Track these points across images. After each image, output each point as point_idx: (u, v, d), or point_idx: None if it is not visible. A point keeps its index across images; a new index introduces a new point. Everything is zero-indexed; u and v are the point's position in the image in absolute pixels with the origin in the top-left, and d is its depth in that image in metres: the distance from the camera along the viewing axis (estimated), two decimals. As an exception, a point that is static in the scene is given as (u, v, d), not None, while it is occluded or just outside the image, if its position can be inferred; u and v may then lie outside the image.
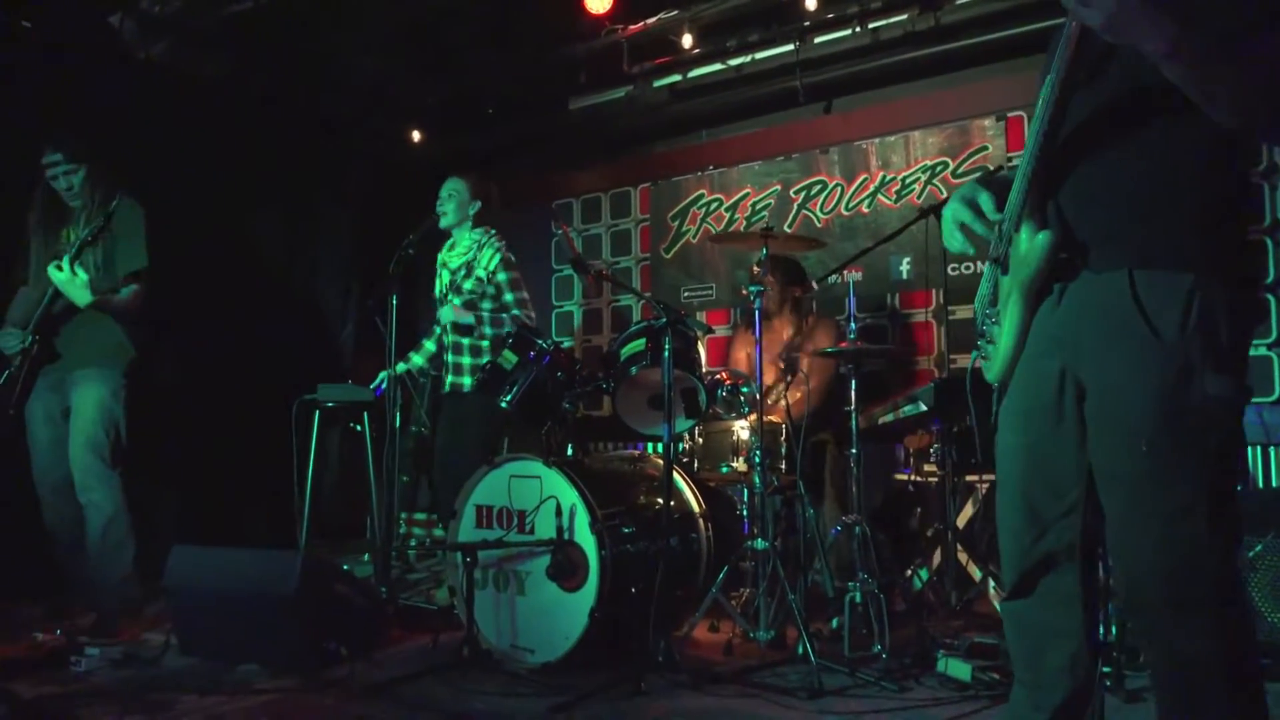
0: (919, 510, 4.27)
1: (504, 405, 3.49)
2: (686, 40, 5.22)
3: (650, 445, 4.74)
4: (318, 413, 4.37)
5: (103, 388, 3.63)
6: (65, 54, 4.68)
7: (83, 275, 3.51)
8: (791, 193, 5.48)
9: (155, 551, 3.45)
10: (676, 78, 5.61)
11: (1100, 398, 1.64)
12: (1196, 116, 1.54)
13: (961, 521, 3.98)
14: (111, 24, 5.28)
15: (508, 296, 4.10)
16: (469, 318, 4.05)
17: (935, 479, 3.96)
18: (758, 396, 3.34)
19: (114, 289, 3.63)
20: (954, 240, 1.87)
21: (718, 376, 3.61)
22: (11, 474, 3.75)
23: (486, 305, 4.11)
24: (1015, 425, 1.80)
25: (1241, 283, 1.60)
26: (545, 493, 3.15)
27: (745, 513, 3.70)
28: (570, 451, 3.45)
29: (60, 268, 3.48)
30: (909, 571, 3.90)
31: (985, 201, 1.80)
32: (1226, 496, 1.58)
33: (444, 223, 4.19)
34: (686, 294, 5.84)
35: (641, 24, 5.28)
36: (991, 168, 4.73)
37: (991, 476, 3.89)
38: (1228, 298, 1.56)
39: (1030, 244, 1.70)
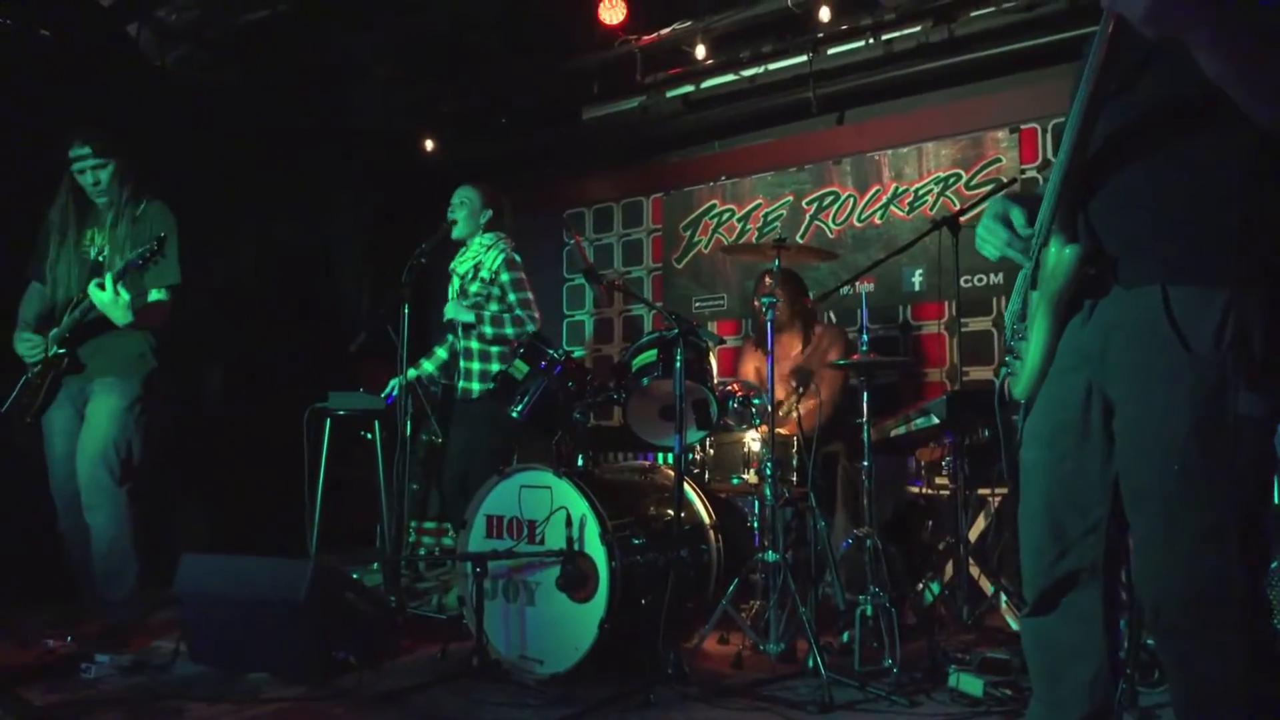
0: (930, 523, 4.24)
1: (515, 415, 3.50)
2: (700, 51, 5.23)
3: (661, 456, 4.73)
4: (329, 420, 4.38)
5: (119, 400, 3.57)
6: (82, 62, 4.71)
7: (125, 295, 3.42)
8: (804, 204, 5.48)
9: (167, 558, 3.45)
10: (689, 88, 5.63)
11: (1131, 415, 1.61)
12: (1231, 129, 1.52)
13: (973, 535, 3.95)
14: (129, 33, 5.34)
15: (511, 297, 4.10)
16: (469, 314, 4.06)
17: (947, 492, 3.94)
18: (769, 408, 3.32)
19: (141, 294, 3.57)
20: (986, 247, 1.85)
21: (729, 388, 3.60)
22: (26, 480, 3.75)
23: (493, 307, 4.12)
24: (1041, 441, 1.77)
25: (1276, 300, 1.55)
26: (555, 503, 3.14)
27: (756, 524, 3.69)
28: (581, 462, 3.45)
29: (103, 286, 3.39)
30: (920, 585, 3.88)
31: (1017, 216, 1.77)
32: (1256, 518, 1.54)
33: (456, 232, 4.20)
34: (698, 304, 5.83)
35: (655, 35, 5.30)
36: (1005, 180, 4.73)
37: (1004, 490, 3.91)
38: (1263, 315, 1.53)
39: (1058, 257, 1.66)
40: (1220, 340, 1.51)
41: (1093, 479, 1.68)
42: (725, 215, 5.78)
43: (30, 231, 3.82)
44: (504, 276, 4.10)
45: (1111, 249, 1.64)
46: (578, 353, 6.22)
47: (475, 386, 4.11)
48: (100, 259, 3.65)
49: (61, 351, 3.57)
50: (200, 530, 5.00)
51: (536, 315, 4.13)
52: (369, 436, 4.73)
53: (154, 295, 3.61)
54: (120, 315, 3.45)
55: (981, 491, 3.93)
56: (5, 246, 3.97)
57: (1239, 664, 1.52)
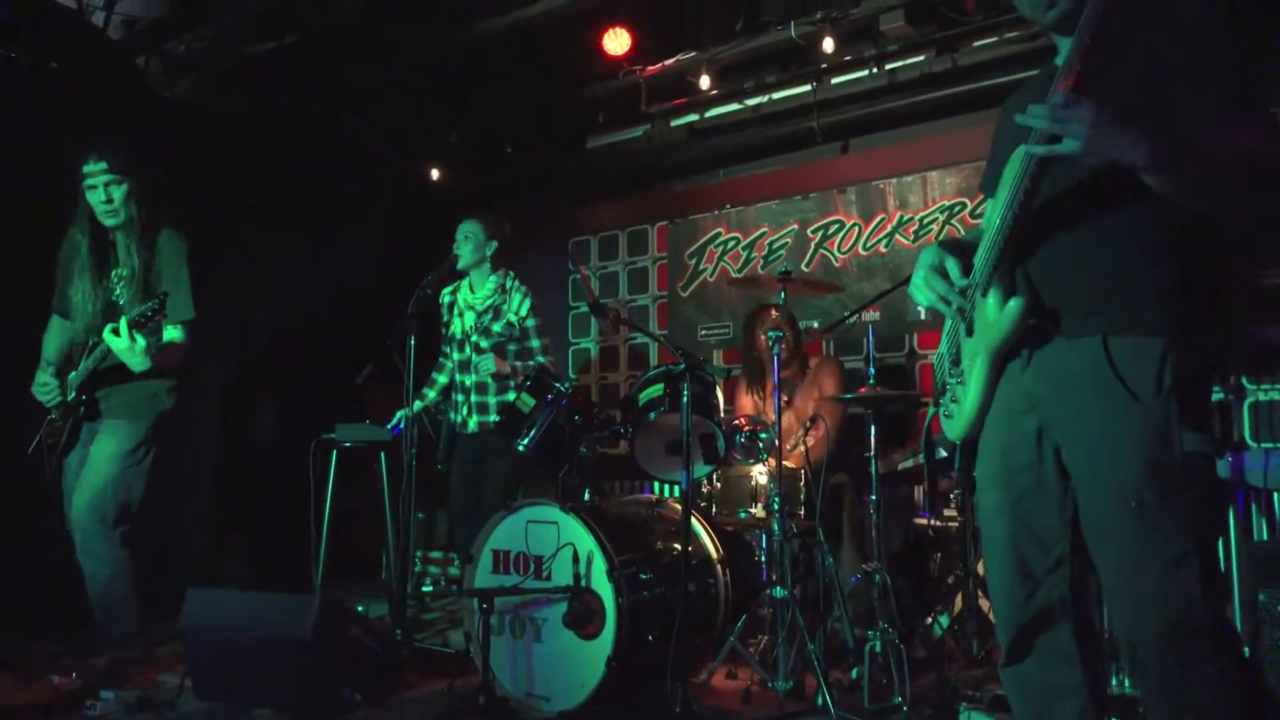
0: (939, 555, 4.21)
1: (521, 449, 3.49)
2: (704, 81, 5.26)
3: (665, 487, 4.71)
4: (335, 452, 4.38)
5: (122, 443, 3.52)
6: (90, 92, 4.73)
7: (141, 341, 3.31)
8: (809, 232, 5.49)
9: (174, 589, 3.43)
10: (694, 117, 5.66)
11: (1085, 460, 1.71)
12: (1163, 197, 1.62)
13: (982, 568, 3.92)
14: (138, 65, 5.38)
15: (534, 342, 4.20)
16: (507, 369, 4.11)
17: (955, 524, 3.91)
18: (776, 442, 3.31)
19: (156, 335, 3.44)
20: (920, 296, 1.95)
21: (736, 422, 3.60)
22: (42, 514, 3.73)
23: (512, 347, 4.20)
24: (997, 483, 1.87)
25: (1205, 346, 1.69)
26: (562, 539, 3.13)
27: (764, 558, 3.67)
28: (587, 496, 3.44)
29: (118, 333, 3.29)
30: (930, 619, 3.85)
31: (953, 267, 1.89)
32: (1212, 546, 1.68)
33: (461, 264, 4.22)
34: (704, 332, 5.83)
35: (659, 65, 5.33)
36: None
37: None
38: (1196, 360, 1.65)
39: (1001, 311, 1.78)
40: (1161, 385, 1.63)
41: (1052, 516, 1.79)
42: (730, 243, 5.79)
43: (40, 262, 3.79)
44: (530, 322, 4.19)
45: (1052, 302, 1.76)
46: (581, 380, 6.22)
47: (493, 419, 4.13)
48: (116, 298, 3.58)
49: (79, 396, 3.53)
50: (207, 561, 4.99)
51: (553, 359, 4.26)
52: (375, 468, 4.73)
53: (169, 334, 3.51)
54: (138, 362, 3.36)
55: (990, 523, 3.90)
56: (15, 278, 3.97)
57: (1219, 692, 1.59)
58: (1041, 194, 1.72)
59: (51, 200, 3.74)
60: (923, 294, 1.93)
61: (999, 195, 1.81)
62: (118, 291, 3.60)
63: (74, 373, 3.56)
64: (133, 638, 3.59)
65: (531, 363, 4.16)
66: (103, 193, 3.52)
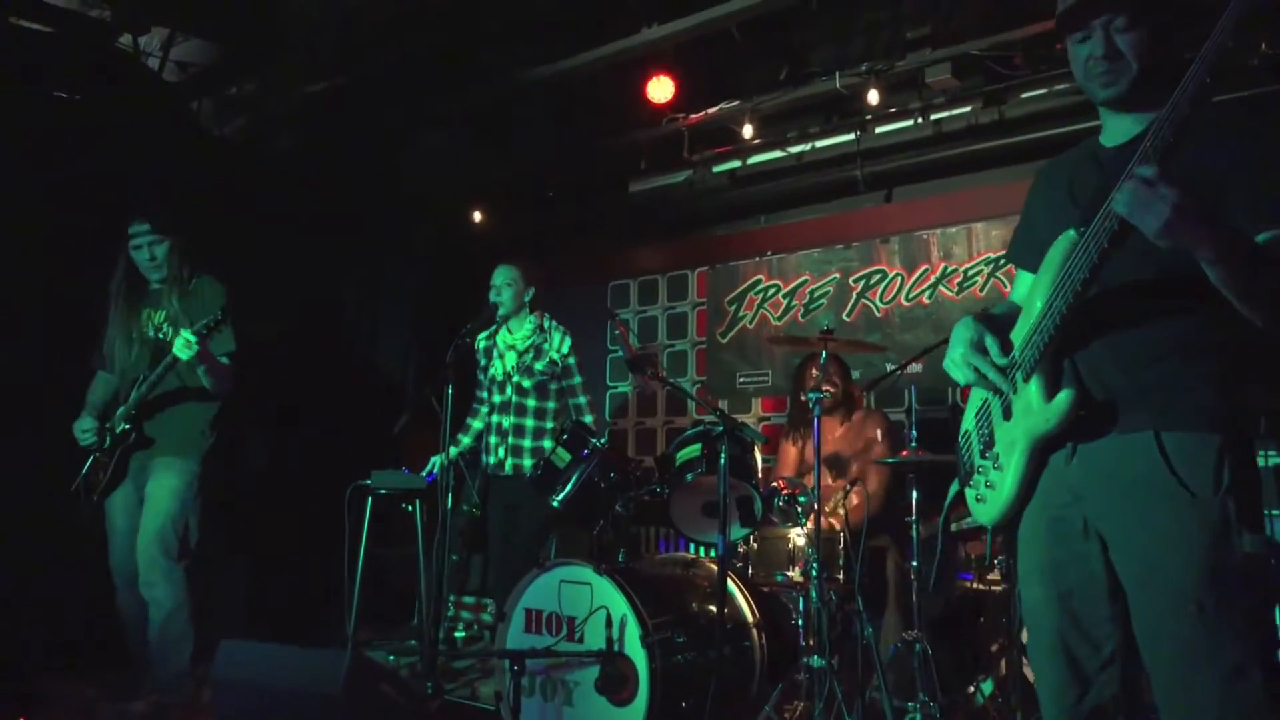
0: (982, 620, 4.10)
1: (555, 504, 3.46)
2: (747, 130, 5.25)
3: (702, 548, 4.65)
4: (370, 500, 4.37)
5: (178, 479, 3.60)
6: (142, 131, 4.83)
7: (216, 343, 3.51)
8: (850, 281, 5.43)
9: (211, 635, 3.43)
10: (736, 164, 5.64)
11: (1138, 559, 1.65)
12: (1218, 290, 1.58)
13: (1026, 635, 3.80)
14: (190, 107, 5.50)
15: (576, 379, 4.26)
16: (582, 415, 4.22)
17: (999, 588, 3.81)
18: (815, 506, 3.25)
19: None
20: (958, 373, 1.89)
21: (774, 484, 3.53)
22: (83, 552, 3.76)
23: (554, 386, 4.25)
24: (1044, 578, 1.80)
25: (1253, 443, 1.65)
26: (595, 602, 3.08)
27: (800, 622, 3.59)
28: (621, 557, 3.39)
29: (189, 344, 3.34)
30: (971, 688, 3.74)
31: (992, 345, 1.83)
32: (1272, 652, 1.59)
33: (502, 311, 4.23)
34: (742, 379, 5.78)
35: (702, 114, 5.33)
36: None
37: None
38: (1251, 457, 1.61)
39: (1048, 401, 1.72)
40: (1219, 483, 1.57)
41: (1101, 612, 1.73)
42: (771, 291, 5.74)
43: (91, 301, 3.87)
44: (571, 360, 4.25)
45: (1101, 395, 1.71)
46: (620, 424, 6.19)
47: (527, 463, 4.12)
48: (161, 336, 3.69)
49: (128, 428, 3.60)
50: (241, 606, 5.00)
51: (590, 397, 4.29)
52: (409, 509, 4.72)
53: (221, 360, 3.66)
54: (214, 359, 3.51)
55: (1035, 589, 3.79)
56: (67, 318, 4.04)
57: None
58: (1099, 283, 1.67)
59: (104, 239, 3.84)
60: (961, 371, 1.87)
61: (1041, 277, 1.76)
62: (165, 331, 3.69)
63: (121, 408, 3.63)
64: (183, 677, 3.60)
65: (576, 400, 4.24)
66: (147, 252, 3.71)
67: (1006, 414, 1.82)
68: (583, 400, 4.27)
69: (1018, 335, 1.82)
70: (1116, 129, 1.84)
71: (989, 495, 1.87)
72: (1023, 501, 1.81)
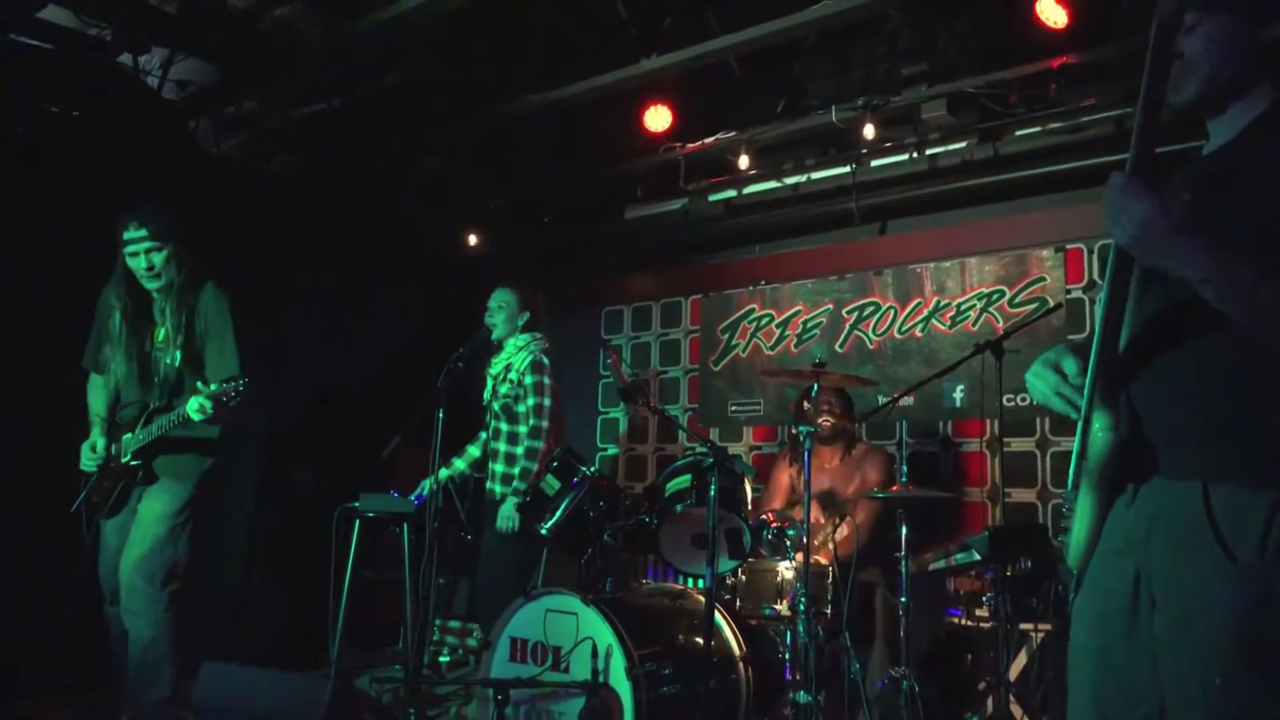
0: (970, 657, 4.09)
1: (544, 532, 3.45)
2: (743, 161, 5.28)
3: (690, 580, 4.61)
4: (357, 522, 4.35)
5: (169, 504, 3.49)
6: (137, 147, 4.83)
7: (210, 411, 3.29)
8: (844, 312, 5.44)
9: (194, 655, 3.38)
10: (732, 193, 5.66)
11: (1170, 619, 1.52)
12: None
13: (1015, 672, 3.80)
14: (190, 127, 5.51)
15: (530, 401, 4.09)
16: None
17: (988, 624, 3.80)
18: (804, 539, 3.24)
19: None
20: (1035, 391, 1.75)
21: (763, 517, 3.53)
22: (65, 573, 3.73)
23: (520, 407, 4.13)
24: (1089, 626, 1.68)
25: None
26: (582, 632, 3.07)
27: (787, 656, 3.57)
28: (609, 587, 3.37)
29: (202, 410, 3.24)
30: (958, 726, 3.72)
31: (1070, 365, 1.68)
32: None
33: (495, 335, 4.22)
34: (734, 408, 5.78)
35: (699, 143, 5.36)
36: (1049, 299, 4.68)
37: (1047, 626, 3.77)
38: None
39: (1096, 439, 1.59)
40: (1265, 548, 1.41)
41: (1143, 670, 1.58)
42: (764, 320, 5.76)
43: (86, 319, 3.80)
44: (528, 379, 4.12)
45: (1152, 435, 1.57)
46: (612, 450, 6.18)
47: (498, 489, 4.09)
48: (170, 362, 3.56)
49: (136, 464, 3.51)
50: (228, 627, 4.97)
51: (544, 425, 4.08)
52: (396, 531, 4.70)
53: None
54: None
55: (1024, 626, 3.79)
56: (65, 336, 4.00)
57: None
58: (1146, 310, 1.57)
59: (101, 255, 3.73)
60: (1036, 388, 1.73)
61: (1101, 305, 1.61)
62: (163, 355, 3.58)
63: (129, 435, 3.53)
64: (162, 705, 3.53)
65: (524, 426, 4.07)
66: (144, 259, 3.53)
67: (1083, 451, 1.67)
68: (523, 429, 4.08)
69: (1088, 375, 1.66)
70: (1213, 138, 1.68)
71: (1068, 538, 1.74)
72: (1090, 545, 1.67)
